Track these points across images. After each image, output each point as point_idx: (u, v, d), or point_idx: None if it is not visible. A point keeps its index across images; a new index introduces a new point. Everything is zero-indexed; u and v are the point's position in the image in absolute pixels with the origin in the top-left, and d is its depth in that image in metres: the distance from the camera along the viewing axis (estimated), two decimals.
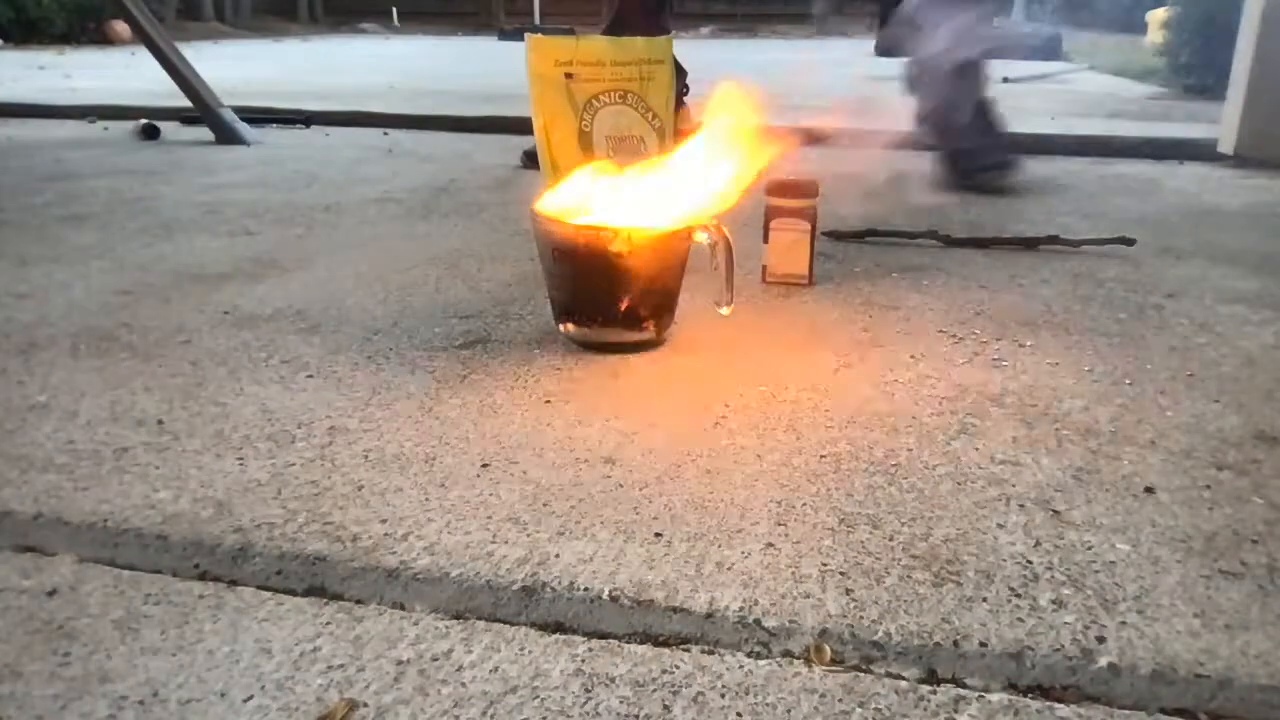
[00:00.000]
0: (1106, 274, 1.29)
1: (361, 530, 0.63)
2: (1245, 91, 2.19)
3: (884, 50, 6.58)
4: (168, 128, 2.56)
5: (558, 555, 0.61)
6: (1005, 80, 4.48)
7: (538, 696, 0.50)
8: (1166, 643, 0.53)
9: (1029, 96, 3.76)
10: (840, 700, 0.49)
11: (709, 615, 0.55)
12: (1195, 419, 0.83)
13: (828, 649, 0.53)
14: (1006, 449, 0.77)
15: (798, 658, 0.53)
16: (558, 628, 0.56)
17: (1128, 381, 0.91)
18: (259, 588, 0.59)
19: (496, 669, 0.52)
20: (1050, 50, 5.99)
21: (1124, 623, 0.55)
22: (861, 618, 0.55)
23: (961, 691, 0.51)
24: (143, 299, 1.13)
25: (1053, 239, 1.41)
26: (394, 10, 12.48)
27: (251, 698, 0.49)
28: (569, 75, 1.35)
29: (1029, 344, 1.01)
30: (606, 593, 0.57)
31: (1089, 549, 0.62)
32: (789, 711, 0.49)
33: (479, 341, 1.00)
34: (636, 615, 0.56)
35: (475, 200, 1.75)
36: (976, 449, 0.77)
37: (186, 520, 0.64)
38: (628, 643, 0.54)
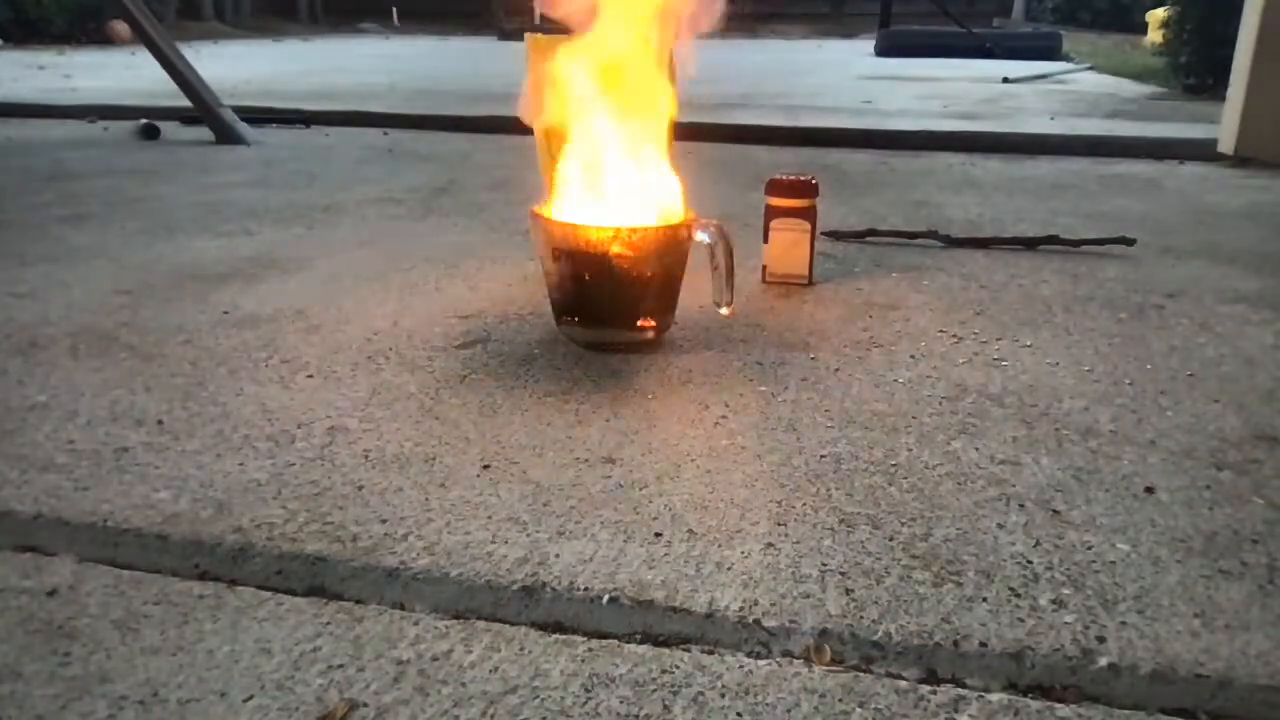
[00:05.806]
0: (1106, 274, 1.29)
1: (361, 530, 0.63)
2: (1245, 91, 2.20)
3: (884, 50, 6.59)
4: (168, 128, 2.56)
5: (558, 555, 0.61)
6: (1005, 80, 4.49)
7: (538, 696, 0.50)
8: (1166, 643, 0.53)
9: (1029, 96, 3.76)
10: (840, 700, 0.49)
11: (709, 615, 0.55)
12: (1195, 419, 0.83)
13: (828, 649, 0.53)
14: (1006, 449, 0.77)
15: (798, 658, 0.53)
16: (558, 628, 0.56)
17: (1128, 381, 0.91)
18: (259, 588, 0.59)
19: (496, 669, 0.52)
20: (1050, 50, 6.00)
21: (1124, 623, 0.55)
22: (861, 618, 0.55)
23: (961, 691, 0.51)
24: (143, 299, 1.13)
25: (1053, 239, 1.41)
26: (394, 10, 12.47)
27: (251, 698, 0.49)
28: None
29: (1029, 344, 1.01)
30: (606, 593, 0.57)
31: (1089, 549, 0.62)
32: (789, 711, 0.49)
33: (479, 341, 1.00)
34: (636, 615, 0.56)
35: (475, 200, 1.75)
36: (976, 449, 0.77)
37: (186, 520, 0.64)
38: (628, 643, 0.54)
